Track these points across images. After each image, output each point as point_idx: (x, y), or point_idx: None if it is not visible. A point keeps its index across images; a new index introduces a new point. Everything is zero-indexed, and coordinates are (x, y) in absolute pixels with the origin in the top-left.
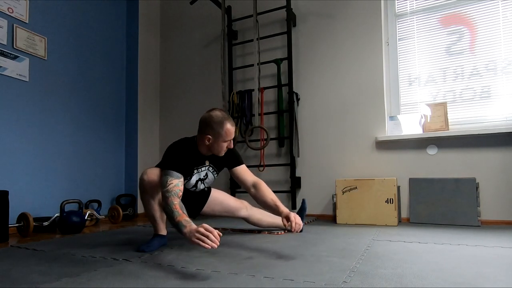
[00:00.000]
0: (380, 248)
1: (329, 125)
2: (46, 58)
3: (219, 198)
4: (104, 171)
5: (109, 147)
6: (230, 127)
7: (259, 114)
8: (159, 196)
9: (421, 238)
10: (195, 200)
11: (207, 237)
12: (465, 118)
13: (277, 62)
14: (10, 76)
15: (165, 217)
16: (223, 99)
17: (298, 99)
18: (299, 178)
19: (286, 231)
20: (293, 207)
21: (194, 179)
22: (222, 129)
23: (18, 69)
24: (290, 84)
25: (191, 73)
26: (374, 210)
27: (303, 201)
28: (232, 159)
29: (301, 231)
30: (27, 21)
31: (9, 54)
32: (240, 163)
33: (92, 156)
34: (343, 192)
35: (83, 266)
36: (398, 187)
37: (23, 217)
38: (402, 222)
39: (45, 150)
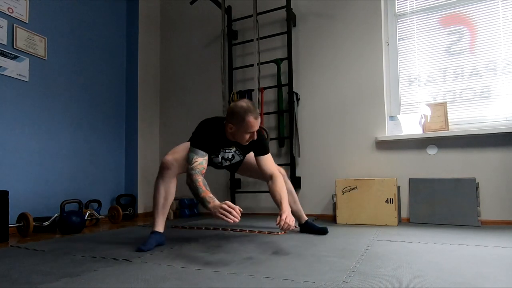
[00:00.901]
0: (380, 248)
1: (329, 125)
2: (46, 58)
3: (251, 165)
4: (104, 171)
5: (109, 147)
6: (251, 120)
7: (259, 114)
8: (169, 181)
9: (421, 238)
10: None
11: (230, 213)
12: (465, 118)
13: (277, 62)
14: (10, 76)
15: (166, 210)
16: (223, 99)
17: (298, 99)
18: (299, 178)
19: (286, 231)
20: None
21: (219, 156)
22: (243, 120)
23: (18, 69)
24: (290, 84)
25: (191, 73)
26: (374, 210)
27: (324, 229)
28: (259, 148)
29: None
30: (27, 21)
31: (9, 54)
32: (265, 153)
33: (92, 156)
34: (343, 192)
35: (83, 266)
36: (398, 187)
37: (23, 217)
38: (402, 222)
39: (45, 150)
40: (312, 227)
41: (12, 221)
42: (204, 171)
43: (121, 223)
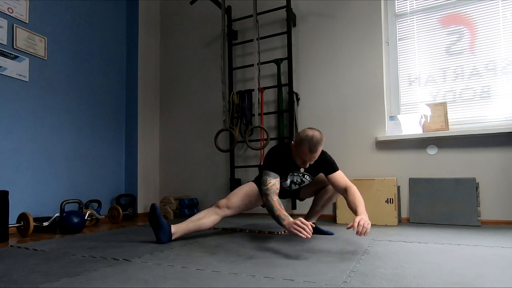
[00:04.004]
0: (380, 248)
1: (329, 125)
2: (46, 58)
3: (309, 185)
4: (104, 171)
5: (109, 147)
6: (305, 150)
7: (259, 114)
8: (212, 214)
9: (421, 238)
10: (289, 194)
11: (303, 229)
12: (465, 118)
13: (277, 62)
14: (10, 76)
15: (191, 224)
16: (223, 99)
17: (298, 99)
18: None
19: (286, 231)
20: (293, 207)
21: (289, 180)
22: (300, 146)
23: (18, 69)
24: (290, 84)
25: (191, 73)
26: (374, 210)
27: (330, 232)
28: (327, 167)
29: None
30: (27, 21)
31: (9, 54)
32: (334, 171)
33: (92, 156)
34: None
35: (83, 266)
36: (398, 187)
37: (23, 217)
38: (402, 222)
39: (45, 150)
40: (318, 230)
41: (12, 221)
42: (278, 191)
43: (121, 223)
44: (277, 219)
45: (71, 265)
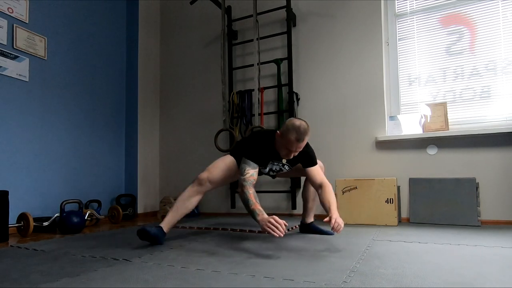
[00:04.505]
0: (380, 248)
1: (329, 125)
2: (46, 58)
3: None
4: (104, 171)
5: (109, 147)
6: (292, 138)
7: (259, 114)
8: (194, 194)
9: (421, 238)
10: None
11: (277, 227)
12: (465, 118)
13: (277, 62)
14: (10, 76)
15: (177, 215)
16: (223, 99)
17: (298, 99)
18: (299, 178)
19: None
20: (293, 207)
21: (268, 168)
22: (287, 135)
23: (18, 69)
24: (290, 84)
25: (191, 73)
26: (374, 210)
27: (330, 232)
28: (307, 160)
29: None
30: (27, 21)
31: (9, 54)
32: (313, 165)
33: (92, 156)
34: (343, 192)
35: (83, 266)
36: (398, 187)
37: (23, 217)
38: (402, 222)
39: (45, 150)
40: (316, 229)
41: (12, 221)
42: (255, 182)
43: (121, 223)
44: (252, 213)
45: (71, 265)
